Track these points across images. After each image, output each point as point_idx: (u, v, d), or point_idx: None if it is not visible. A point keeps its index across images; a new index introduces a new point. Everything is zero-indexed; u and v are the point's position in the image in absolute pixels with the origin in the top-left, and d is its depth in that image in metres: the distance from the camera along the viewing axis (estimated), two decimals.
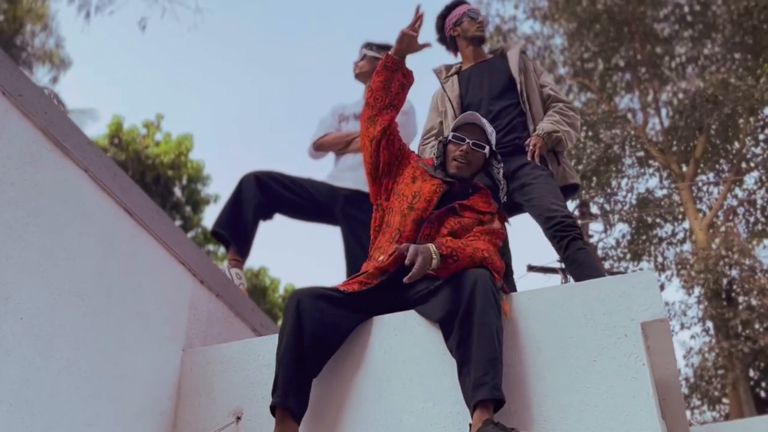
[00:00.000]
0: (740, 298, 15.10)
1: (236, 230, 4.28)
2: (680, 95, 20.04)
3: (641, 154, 21.68)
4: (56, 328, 2.76)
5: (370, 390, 3.09)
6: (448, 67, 4.87)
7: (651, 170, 21.83)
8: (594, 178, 20.77)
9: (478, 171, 3.66)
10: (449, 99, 4.67)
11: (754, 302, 14.31)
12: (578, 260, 3.82)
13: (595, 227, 16.70)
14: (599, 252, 17.49)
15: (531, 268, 15.95)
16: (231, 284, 3.96)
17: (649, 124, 22.11)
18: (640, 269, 19.58)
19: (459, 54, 4.93)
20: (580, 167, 20.51)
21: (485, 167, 3.68)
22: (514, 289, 4.15)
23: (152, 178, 19.17)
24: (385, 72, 3.60)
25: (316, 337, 3.00)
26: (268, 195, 4.38)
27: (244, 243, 4.31)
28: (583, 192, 20.01)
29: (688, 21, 22.09)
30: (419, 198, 3.42)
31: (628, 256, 20.41)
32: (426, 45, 3.70)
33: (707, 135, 19.91)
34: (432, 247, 3.05)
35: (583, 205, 16.65)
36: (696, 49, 21.68)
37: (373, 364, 3.14)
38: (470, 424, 2.75)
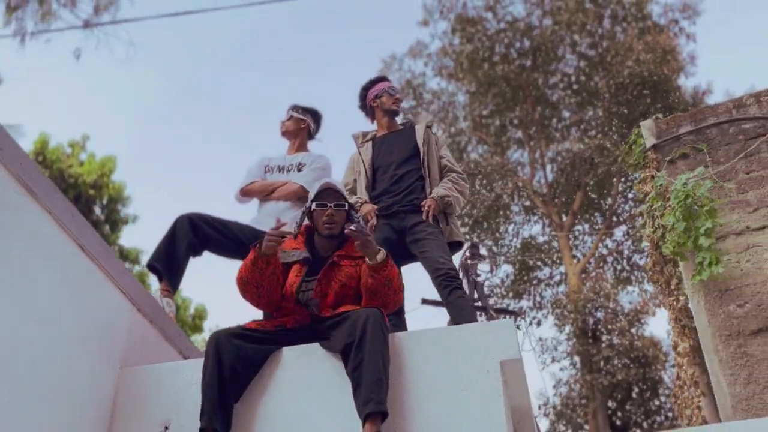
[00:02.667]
0: (604, 337, 15.84)
1: (169, 265, 4.55)
2: (563, 154, 20.98)
3: (527, 203, 22.55)
4: (14, 347, 3.03)
5: (281, 410, 3.43)
6: (365, 134, 5.30)
7: (535, 218, 22.72)
8: (485, 223, 21.51)
9: (344, 225, 3.89)
10: (363, 161, 5.08)
11: (615, 341, 15.06)
12: (457, 306, 4.24)
13: (483, 267, 17.24)
14: (486, 289, 18.06)
15: (424, 301, 16.40)
16: (162, 312, 4.23)
17: (536, 177, 23.05)
18: (520, 307, 20.31)
19: (375, 122, 5.36)
20: (474, 211, 21.24)
21: (349, 219, 3.91)
22: (405, 326, 4.57)
23: (73, 196, 18.77)
24: (269, 267, 3.68)
25: (233, 368, 3.38)
26: (198, 235, 4.66)
27: (175, 276, 4.58)
28: (474, 235, 20.70)
29: (574, 89, 23.18)
30: (286, 287, 3.75)
31: (511, 294, 21.14)
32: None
33: (585, 191, 20.88)
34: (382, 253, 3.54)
35: (474, 247, 17.21)
36: (580, 114, 22.74)
37: (285, 389, 3.48)
38: None
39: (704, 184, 5.37)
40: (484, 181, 21.93)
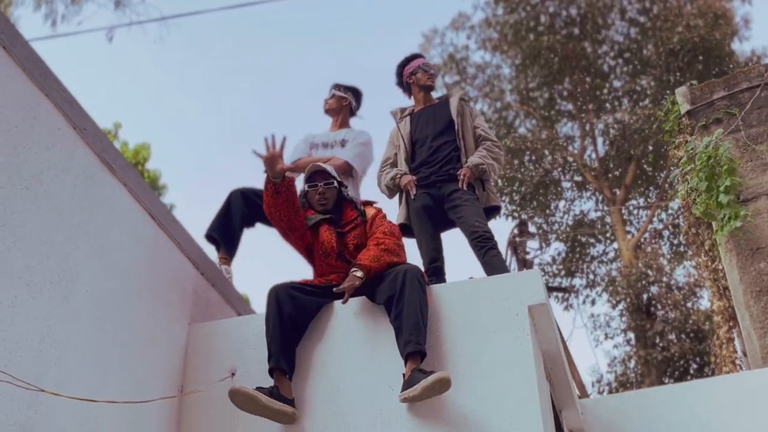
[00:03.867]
0: (658, 312, 16.23)
1: (226, 235, 5.19)
2: (614, 126, 21.21)
3: (579, 179, 22.85)
4: (106, 301, 3.70)
5: (334, 355, 4.09)
6: (403, 110, 5.87)
7: (587, 194, 23.01)
8: (534, 200, 21.90)
9: (337, 199, 4.65)
10: (402, 136, 5.66)
11: (670, 315, 15.46)
12: (491, 264, 4.80)
13: (532, 244, 17.75)
14: (536, 267, 18.55)
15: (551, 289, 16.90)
16: (224, 277, 4.88)
17: (587, 151, 23.31)
18: (572, 285, 20.74)
19: (412, 97, 5.94)
20: (522, 188, 21.65)
21: (341, 194, 4.68)
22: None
23: None
24: (281, 195, 4.33)
25: (291, 316, 4.04)
26: (251, 207, 5.28)
27: (232, 246, 5.23)
28: (523, 212, 21.14)
29: (625, 57, 23.35)
30: (325, 245, 4.45)
31: (563, 272, 21.52)
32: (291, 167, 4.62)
33: (637, 163, 21.12)
34: (354, 273, 4.13)
35: (522, 224, 17.69)
36: (632, 83, 22.88)
37: (337, 336, 4.14)
38: (403, 374, 3.77)
39: (723, 145, 5.86)
40: (533, 157, 22.29)
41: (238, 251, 5.30)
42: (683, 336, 15.64)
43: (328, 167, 4.72)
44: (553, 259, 21.52)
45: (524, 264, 16.93)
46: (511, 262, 16.88)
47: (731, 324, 6.72)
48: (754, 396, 4.92)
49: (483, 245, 4.92)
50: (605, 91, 23.93)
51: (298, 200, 4.46)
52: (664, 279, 16.18)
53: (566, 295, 19.70)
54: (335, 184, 4.63)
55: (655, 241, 20.09)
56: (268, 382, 3.91)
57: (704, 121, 6.93)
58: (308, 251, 4.57)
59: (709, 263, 6.60)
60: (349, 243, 4.44)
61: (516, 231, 17.51)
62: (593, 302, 19.94)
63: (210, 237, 5.20)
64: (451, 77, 25.95)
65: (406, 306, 3.88)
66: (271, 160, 4.29)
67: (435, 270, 5.08)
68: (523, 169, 21.94)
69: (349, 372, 4.00)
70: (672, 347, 14.54)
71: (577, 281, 21.29)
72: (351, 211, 4.62)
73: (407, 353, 3.78)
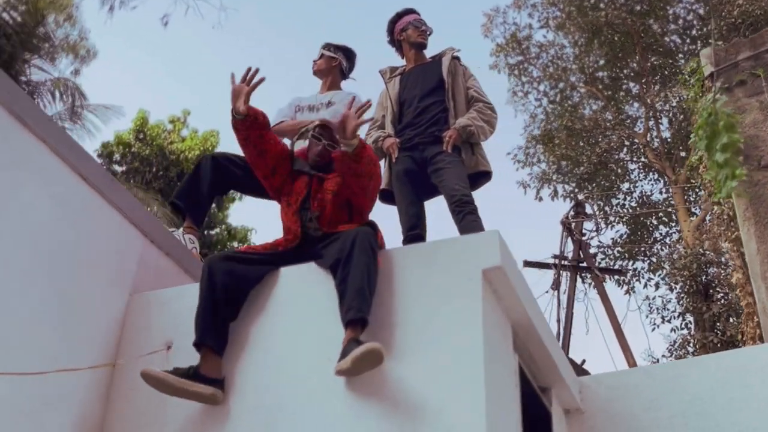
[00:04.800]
0: (719, 295, 15.45)
1: (192, 203, 4.83)
2: (675, 105, 20.36)
3: (644, 160, 22.03)
4: (33, 268, 3.42)
5: (277, 326, 3.69)
6: (393, 69, 5.45)
7: (655, 176, 22.17)
8: (594, 181, 21.20)
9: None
10: (390, 96, 5.24)
11: (729, 297, 14.70)
12: (468, 229, 4.35)
13: (588, 226, 17.06)
14: (592, 250, 17.85)
15: (527, 264, 16.37)
16: (181, 246, 4.53)
17: (651, 131, 22.46)
18: (634, 268, 19.99)
19: (404, 57, 5.50)
20: (581, 168, 20.95)
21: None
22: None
23: (176, 173, 19.41)
24: (248, 130, 4.02)
25: (225, 287, 3.66)
26: (222, 174, 4.93)
27: (199, 214, 4.88)
28: (582, 193, 20.45)
29: (690, 35, 22.41)
30: (292, 195, 4.05)
31: (626, 255, 20.78)
32: (260, 81, 4.00)
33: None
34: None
35: (578, 205, 17.04)
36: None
37: (281, 306, 3.74)
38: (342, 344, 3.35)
39: (721, 99, 5.26)
40: (596, 139, 21.58)
41: (205, 220, 4.95)
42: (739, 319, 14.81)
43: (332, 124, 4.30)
44: (614, 242, 20.80)
45: (580, 246, 16.28)
46: (566, 243, 16.27)
47: (752, 298, 6.08)
48: (762, 372, 4.35)
49: (461, 209, 4.48)
50: (671, 70, 23.04)
51: (261, 143, 4.07)
52: (724, 260, 15.30)
53: (624, 278, 18.93)
54: (335, 149, 4.19)
55: (718, 222, 19.17)
56: None
57: (728, 83, 6.30)
58: (278, 194, 4.21)
59: (729, 233, 5.98)
60: (327, 189, 4.02)
61: (571, 212, 16.89)
62: (657, 286, 19.15)
63: (173, 204, 4.87)
64: (514, 57, 25.34)
65: (352, 270, 3.47)
66: (236, 93, 3.95)
67: (413, 238, 4.65)
68: (584, 149, 21.26)
69: (290, 344, 3.60)
70: (730, 330, 13.73)
71: (639, 264, 20.54)
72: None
73: (347, 321, 3.37)
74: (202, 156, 5.00)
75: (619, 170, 21.89)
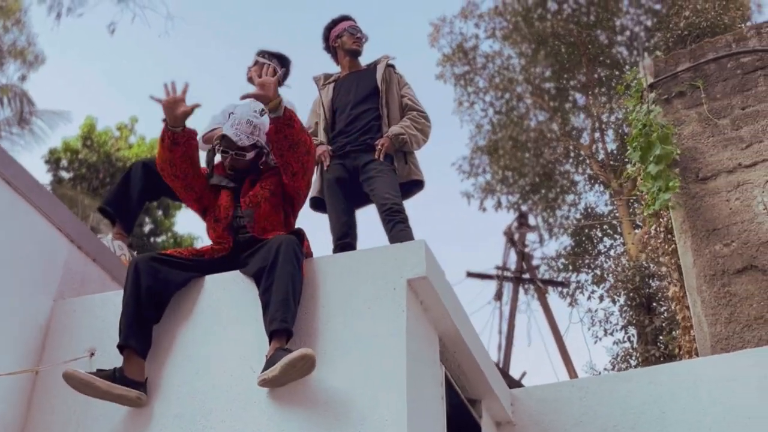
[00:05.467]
0: (662, 308, 15.78)
1: (122, 209, 4.90)
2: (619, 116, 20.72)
3: (589, 171, 22.41)
4: None
5: (199, 333, 3.77)
6: (327, 76, 5.54)
7: (600, 188, 22.55)
8: (538, 193, 21.49)
9: (251, 163, 4.23)
10: (323, 104, 5.34)
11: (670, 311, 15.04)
12: (398, 238, 4.45)
13: (532, 237, 17.36)
14: (535, 261, 18.16)
15: (469, 274, 16.60)
16: (109, 252, 4.58)
17: (596, 144, 22.85)
18: (577, 281, 20.31)
19: (339, 63, 5.60)
20: (525, 180, 21.24)
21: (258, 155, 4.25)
22: None
23: None
24: (179, 147, 4.02)
25: (150, 289, 3.71)
26: (153, 180, 4.97)
27: (128, 220, 4.94)
28: (525, 204, 20.76)
29: (634, 48, 22.86)
30: (220, 210, 4.10)
31: (570, 267, 21.06)
32: (195, 106, 4.04)
33: None
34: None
35: (522, 216, 17.36)
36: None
37: (204, 313, 3.82)
38: (266, 355, 3.43)
39: (655, 109, 5.48)
40: (539, 150, 21.89)
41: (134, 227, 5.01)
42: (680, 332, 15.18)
43: (236, 132, 4.32)
44: (558, 254, 21.10)
45: (523, 257, 16.58)
46: (509, 254, 16.54)
47: (689, 311, 6.31)
48: (694, 387, 4.52)
49: (391, 218, 4.60)
50: (618, 82, 23.49)
51: (197, 156, 4.15)
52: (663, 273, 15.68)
53: (567, 290, 19.25)
54: (247, 156, 4.21)
55: (655, 235, 19.60)
56: None
57: (667, 95, 6.53)
58: (205, 213, 4.25)
59: (666, 246, 6.19)
60: (265, 186, 4.10)
61: (515, 223, 17.18)
62: (601, 298, 19.45)
63: (103, 210, 4.92)
64: (460, 67, 25.69)
65: (276, 279, 3.55)
66: (172, 105, 3.97)
67: (343, 247, 4.74)
68: (528, 160, 21.56)
69: (213, 352, 3.68)
70: (671, 344, 14.05)
71: (583, 276, 20.83)
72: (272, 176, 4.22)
73: (271, 331, 3.45)
74: (133, 163, 5.05)
75: (564, 182, 22.22)
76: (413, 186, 5.08)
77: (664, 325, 14.74)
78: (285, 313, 3.46)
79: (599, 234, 21.82)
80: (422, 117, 5.20)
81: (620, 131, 19.93)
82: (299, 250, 3.70)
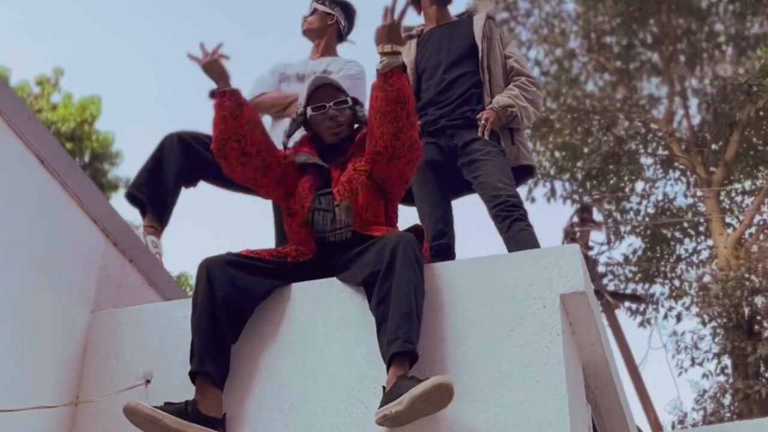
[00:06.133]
0: (766, 333, 15.90)
1: (155, 195, 4.95)
2: (714, 84, 20.64)
3: (663, 152, 22.39)
4: None
5: (286, 355, 3.83)
6: (407, 29, 5.56)
7: (675, 174, 22.53)
8: (602, 179, 21.49)
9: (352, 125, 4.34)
10: None
11: None
12: (519, 241, 4.53)
13: (597, 237, 17.44)
14: (601, 267, 18.25)
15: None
16: (146, 251, 4.65)
17: (675, 117, 22.81)
18: (651, 294, 20.37)
19: (422, 13, 5.65)
20: (586, 164, 21.23)
21: (355, 117, 4.36)
22: None
23: None
24: (237, 113, 4.13)
25: (228, 301, 3.76)
26: (193, 159, 5.03)
27: (163, 210, 4.99)
28: (586, 195, 20.78)
29: None
30: (298, 200, 4.17)
31: (639, 275, 21.11)
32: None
33: (742, 133, 20.59)
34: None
35: (584, 210, 17.42)
36: (739, 26, 22.35)
37: (292, 329, 3.89)
38: (383, 386, 3.47)
39: None
40: (602, 121, 21.85)
41: (172, 217, 5.07)
42: None
43: (336, 80, 4.42)
44: (626, 259, 21.15)
45: (586, 263, 16.62)
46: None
47: None
48: None
49: (507, 215, 4.67)
50: (702, 36, 23.45)
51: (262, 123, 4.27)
52: None
53: (640, 305, 19.34)
54: (350, 102, 4.31)
55: (764, 237, 19.67)
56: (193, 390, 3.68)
57: None
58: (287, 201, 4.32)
59: None
60: (359, 168, 4.17)
61: (575, 218, 17.25)
62: (678, 317, 19.54)
63: (133, 197, 4.97)
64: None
65: (395, 289, 3.59)
66: (213, 63, 4.14)
67: (440, 249, 4.83)
68: (590, 139, 21.53)
69: (308, 381, 3.75)
70: None
71: (658, 289, 20.90)
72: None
73: (392, 354, 3.49)
74: (167, 136, 5.08)
75: (635, 166, 22.16)
76: (523, 172, 5.15)
77: None
78: (409, 332, 3.49)
79: (678, 234, 21.89)
80: (533, 84, 5.26)
81: (713, 101, 19.87)
82: (419, 252, 3.75)
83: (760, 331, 15.88)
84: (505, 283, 3.75)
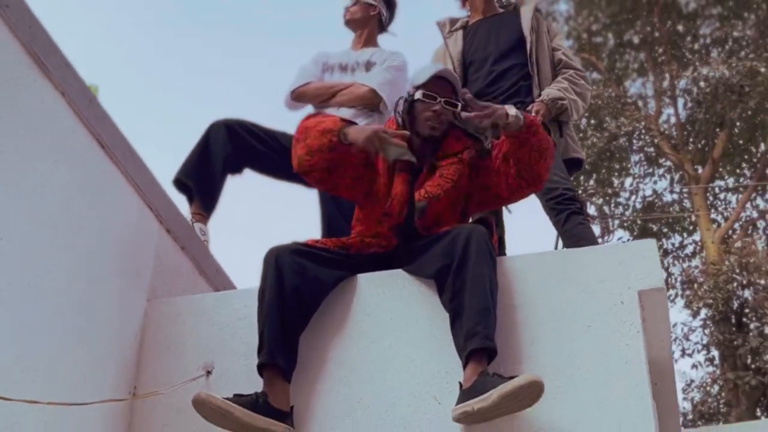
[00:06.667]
0: (752, 325, 15.75)
1: (202, 182, 4.69)
2: (701, 83, 20.49)
3: (651, 150, 22.19)
4: (27, 251, 3.15)
5: (354, 348, 3.57)
6: (453, 21, 5.34)
7: (661, 171, 22.33)
8: (594, 175, 21.28)
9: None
10: (450, 55, 5.14)
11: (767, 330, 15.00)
12: (577, 235, 4.30)
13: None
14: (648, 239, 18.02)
15: None
16: (198, 238, 4.38)
17: (663, 115, 22.62)
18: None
19: (467, 4, 5.39)
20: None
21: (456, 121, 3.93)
22: None
23: None
24: (334, 152, 3.69)
25: (297, 292, 3.49)
26: (239, 147, 4.78)
27: (210, 197, 4.72)
28: (579, 190, 20.55)
29: None
30: (393, 202, 3.78)
31: None
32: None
33: (729, 132, 20.46)
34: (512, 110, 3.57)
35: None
36: (724, 29, 22.20)
37: (360, 321, 3.62)
38: (460, 383, 3.22)
39: None
40: (592, 121, 21.64)
41: (219, 205, 4.81)
42: None
43: (457, 80, 3.97)
44: None
45: None
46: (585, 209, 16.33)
47: None
48: None
49: (564, 208, 4.44)
50: (689, 38, 23.28)
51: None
52: (762, 282, 15.61)
53: None
54: (459, 108, 3.83)
55: (749, 233, 19.54)
56: (256, 382, 3.39)
57: None
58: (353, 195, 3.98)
59: None
60: (446, 175, 3.80)
61: None
62: None
63: (180, 183, 4.70)
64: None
65: (470, 283, 3.32)
66: (386, 139, 3.61)
67: None
68: (580, 135, 21.31)
69: (378, 374, 3.48)
70: None
71: None
72: (456, 141, 3.92)
73: (471, 350, 3.22)
74: (213, 123, 4.81)
75: (624, 163, 21.98)
76: (571, 165, 4.92)
77: (762, 345, 14.70)
78: (487, 328, 3.24)
79: (664, 229, 21.72)
80: (581, 77, 5.03)
81: (704, 100, 19.63)
82: (492, 246, 3.51)
83: (748, 324, 15.72)
84: (580, 279, 3.50)
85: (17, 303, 3.08)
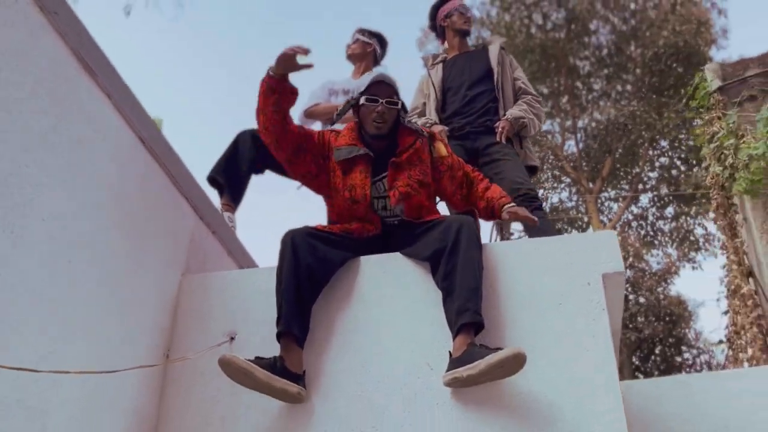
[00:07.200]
0: (631, 296, 15.26)
1: (231, 179, 4.06)
2: (593, 124, 20.13)
3: (557, 171, 21.77)
4: (75, 234, 2.51)
5: (359, 320, 2.92)
6: (435, 56, 4.82)
7: (563, 185, 21.94)
8: None
9: (394, 125, 3.28)
10: (433, 83, 4.57)
11: (642, 300, 14.49)
12: (540, 228, 3.67)
13: (517, 227, 16.63)
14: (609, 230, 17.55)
15: None
16: (225, 225, 3.72)
17: (566, 145, 22.21)
18: None
19: (445, 42, 4.81)
20: None
21: (400, 120, 3.29)
22: None
23: None
24: (273, 94, 3.03)
25: (310, 268, 2.86)
26: (262, 152, 4.13)
27: (237, 191, 4.09)
28: None
29: (605, 62, 22.26)
30: (355, 191, 3.14)
31: None
32: (307, 66, 2.99)
33: (614, 158, 20.07)
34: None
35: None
36: (610, 84, 21.85)
37: (363, 296, 2.97)
38: (450, 352, 2.63)
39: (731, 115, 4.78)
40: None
41: (244, 198, 4.14)
42: (654, 319, 14.63)
43: (394, 82, 3.31)
44: None
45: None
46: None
47: (757, 311, 5.60)
48: None
49: (528, 205, 3.79)
50: (584, 92, 22.92)
51: (289, 117, 3.11)
52: (640, 264, 15.14)
53: None
54: (399, 105, 3.23)
55: (625, 231, 19.07)
56: (273, 347, 2.75)
57: (738, 98, 5.81)
58: (320, 185, 3.29)
59: (740, 246, 5.47)
60: (413, 176, 3.14)
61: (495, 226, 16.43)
62: None
63: (213, 180, 4.05)
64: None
65: (461, 265, 2.73)
66: (285, 56, 2.94)
67: None
68: None
69: (378, 342, 2.84)
70: (644, 329, 13.51)
71: None
72: (409, 135, 3.27)
73: (461, 324, 2.62)
74: (240, 132, 4.17)
75: (536, 178, 21.53)
76: (529, 171, 4.30)
77: (639, 311, 14.17)
78: (476, 304, 2.65)
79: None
80: (537, 102, 4.44)
81: (594, 132, 19.16)
82: (479, 234, 2.89)
83: (627, 295, 15.19)
84: (552, 263, 2.87)
85: (57, 275, 2.42)
